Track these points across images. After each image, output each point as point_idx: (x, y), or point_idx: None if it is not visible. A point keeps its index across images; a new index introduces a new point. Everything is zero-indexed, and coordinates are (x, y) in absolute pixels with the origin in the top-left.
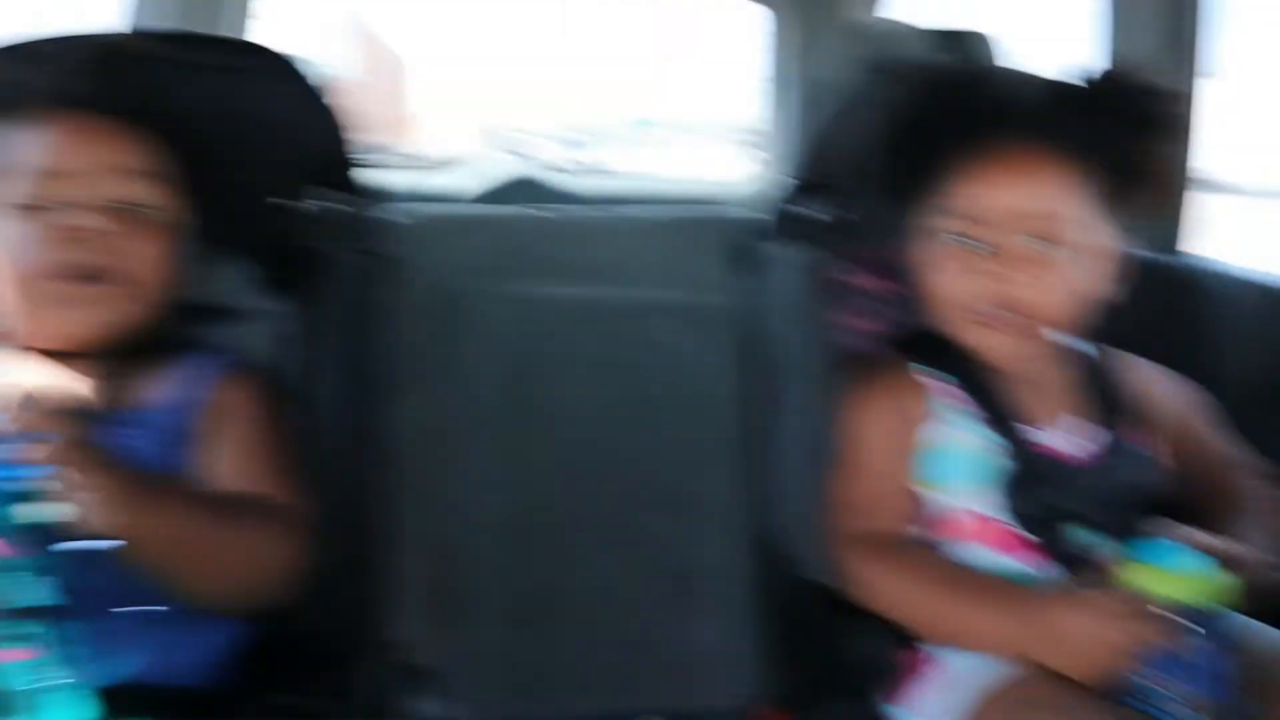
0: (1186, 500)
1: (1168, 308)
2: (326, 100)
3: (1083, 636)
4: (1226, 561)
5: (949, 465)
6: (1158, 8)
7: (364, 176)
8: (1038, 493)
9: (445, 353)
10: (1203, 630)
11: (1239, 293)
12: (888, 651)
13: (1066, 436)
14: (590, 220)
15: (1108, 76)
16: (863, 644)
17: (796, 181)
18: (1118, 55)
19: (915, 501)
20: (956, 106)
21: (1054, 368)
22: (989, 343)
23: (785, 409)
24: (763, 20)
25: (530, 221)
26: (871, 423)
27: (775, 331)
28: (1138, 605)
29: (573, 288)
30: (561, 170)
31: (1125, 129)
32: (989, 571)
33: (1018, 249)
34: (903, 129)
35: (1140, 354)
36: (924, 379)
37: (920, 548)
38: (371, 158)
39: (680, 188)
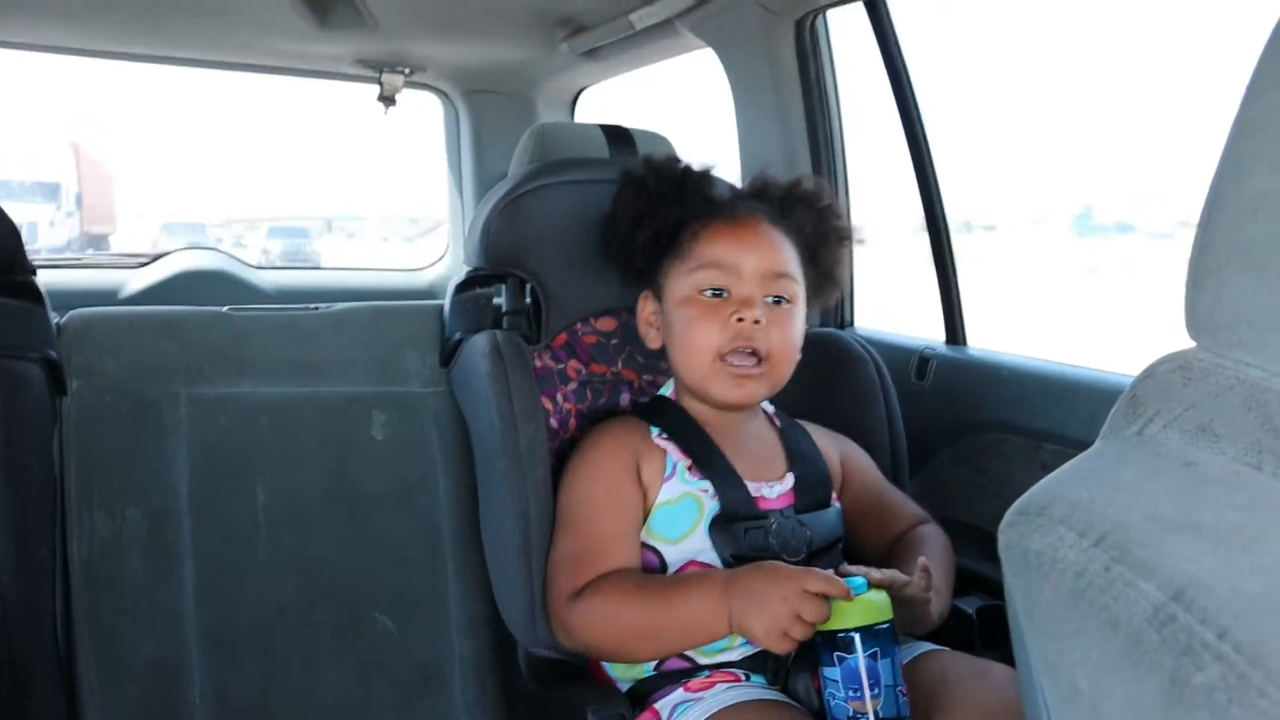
0: (861, 541)
1: (834, 374)
2: None
3: (769, 591)
4: (889, 589)
5: (675, 517)
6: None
7: (37, 279)
8: (743, 531)
9: (135, 462)
10: (872, 645)
11: (897, 357)
12: (626, 715)
13: (768, 485)
14: (286, 317)
15: (793, 185)
16: (600, 712)
17: (483, 271)
18: (751, 160)
19: (635, 549)
20: (695, 187)
21: (758, 428)
22: (738, 391)
23: (489, 493)
24: (447, 115)
25: (225, 320)
26: (601, 475)
27: (474, 417)
28: (816, 577)
29: (272, 385)
30: (254, 266)
31: (812, 217)
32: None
33: (762, 303)
34: (645, 204)
35: (812, 414)
36: (661, 442)
37: (616, 573)
38: (55, 258)
39: (371, 279)
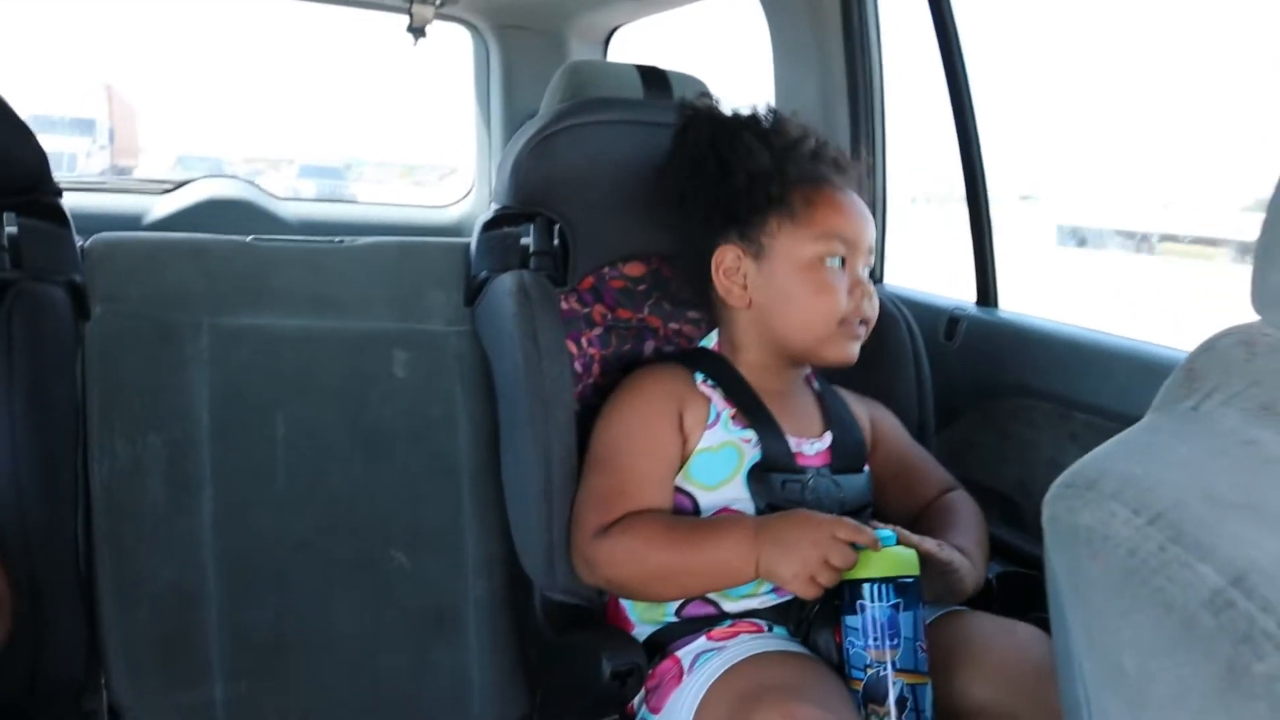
0: (889, 505)
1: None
2: (16, 122)
3: (800, 536)
4: (915, 547)
5: (715, 464)
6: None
7: (63, 201)
8: (780, 483)
9: (157, 389)
10: (895, 597)
11: (926, 316)
12: (641, 663)
13: (808, 443)
14: (310, 249)
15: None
16: (616, 658)
17: (511, 210)
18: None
19: (668, 492)
20: (796, 147)
21: (799, 388)
22: (850, 351)
23: (511, 434)
24: (476, 50)
25: (249, 249)
26: (641, 417)
27: (498, 358)
28: (846, 525)
29: (294, 318)
30: (279, 197)
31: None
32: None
33: (863, 273)
34: (763, 161)
35: (844, 375)
36: (706, 389)
37: (645, 513)
38: (80, 181)
39: (396, 214)
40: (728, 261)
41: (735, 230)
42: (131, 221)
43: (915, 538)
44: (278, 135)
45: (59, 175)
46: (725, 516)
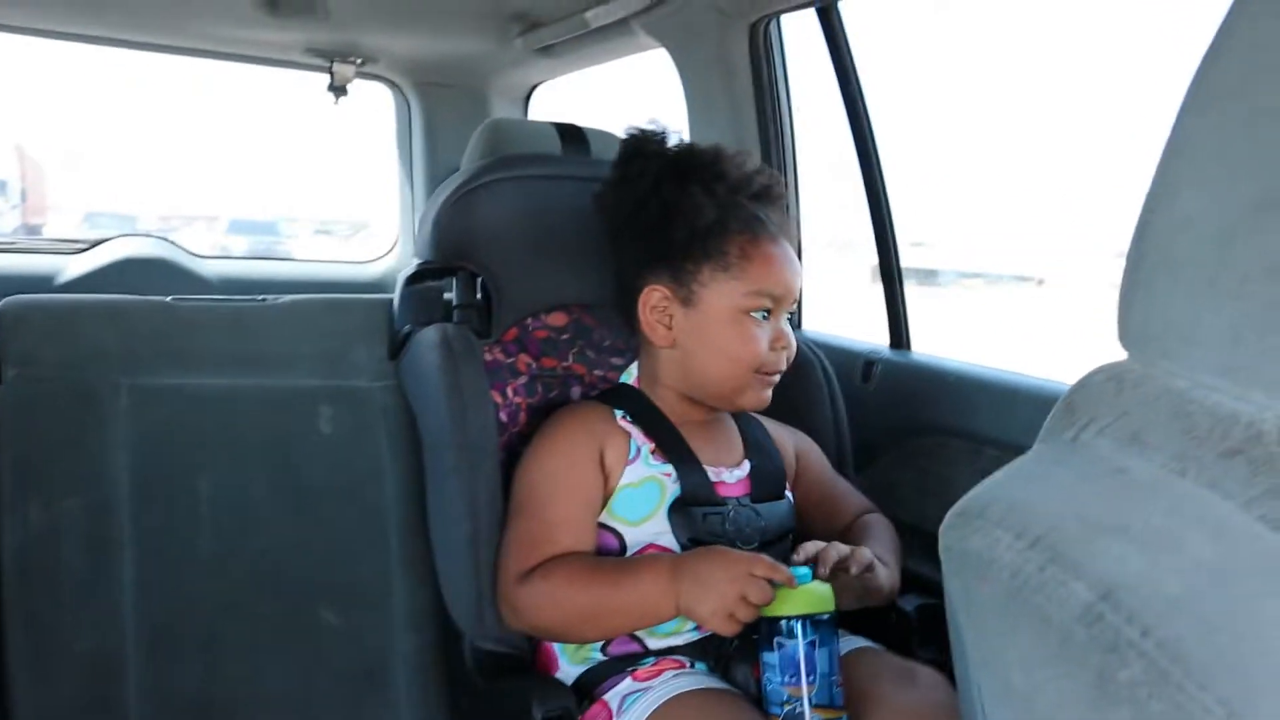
0: (812, 531)
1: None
2: None
3: (716, 574)
4: (831, 569)
5: (638, 499)
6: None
7: None
8: (701, 516)
9: (74, 452)
10: (812, 634)
11: (842, 360)
12: (570, 707)
13: (727, 470)
14: (233, 308)
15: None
16: (546, 704)
17: (434, 264)
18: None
19: (590, 533)
20: (737, 183)
21: (718, 418)
22: (764, 397)
23: (438, 485)
24: (398, 108)
25: (169, 309)
26: (563, 459)
27: (423, 411)
28: (763, 562)
29: (217, 377)
30: (197, 255)
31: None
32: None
33: (785, 325)
34: (685, 210)
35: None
36: (626, 425)
37: (566, 556)
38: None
39: (318, 270)
40: (654, 301)
41: (667, 272)
42: (43, 282)
43: (833, 554)
44: (197, 191)
45: None
46: (644, 556)
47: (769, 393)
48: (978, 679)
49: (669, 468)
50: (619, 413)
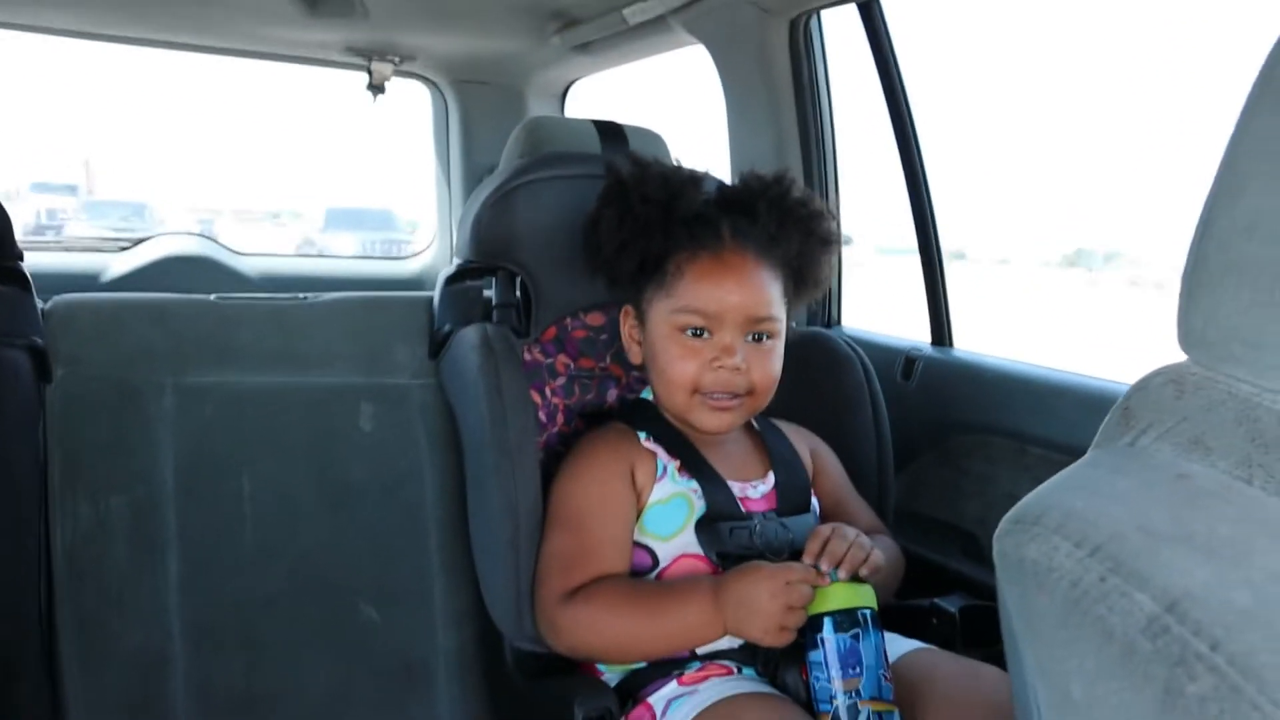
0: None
1: (821, 375)
2: None
3: (757, 592)
4: (862, 573)
5: (667, 515)
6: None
7: (24, 263)
8: (728, 531)
9: (120, 450)
10: (854, 627)
11: (883, 357)
12: (613, 708)
13: (751, 486)
14: (274, 306)
15: (776, 183)
16: (588, 705)
17: (474, 264)
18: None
19: (628, 552)
20: (685, 209)
21: (737, 433)
22: (716, 421)
23: (478, 486)
24: (435, 105)
25: (213, 308)
26: (597, 481)
27: (463, 411)
28: (796, 569)
29: (259, 375)
30: (237, 252)
31: (799, 232)
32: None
33: (744, 344)
34: (630, 229)
35: (798, 415)
36: (650, 445)
37: (607, 580)
38: (36, 240)
39: (356, 267)
40: (628, 324)
41: (632, 292)
42: (89, 280)
43: (857, 555)
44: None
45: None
46: (684, 580)
47: (723, 418)
48: (1034, 687)
49: (694, 484)
50: (642, 434)
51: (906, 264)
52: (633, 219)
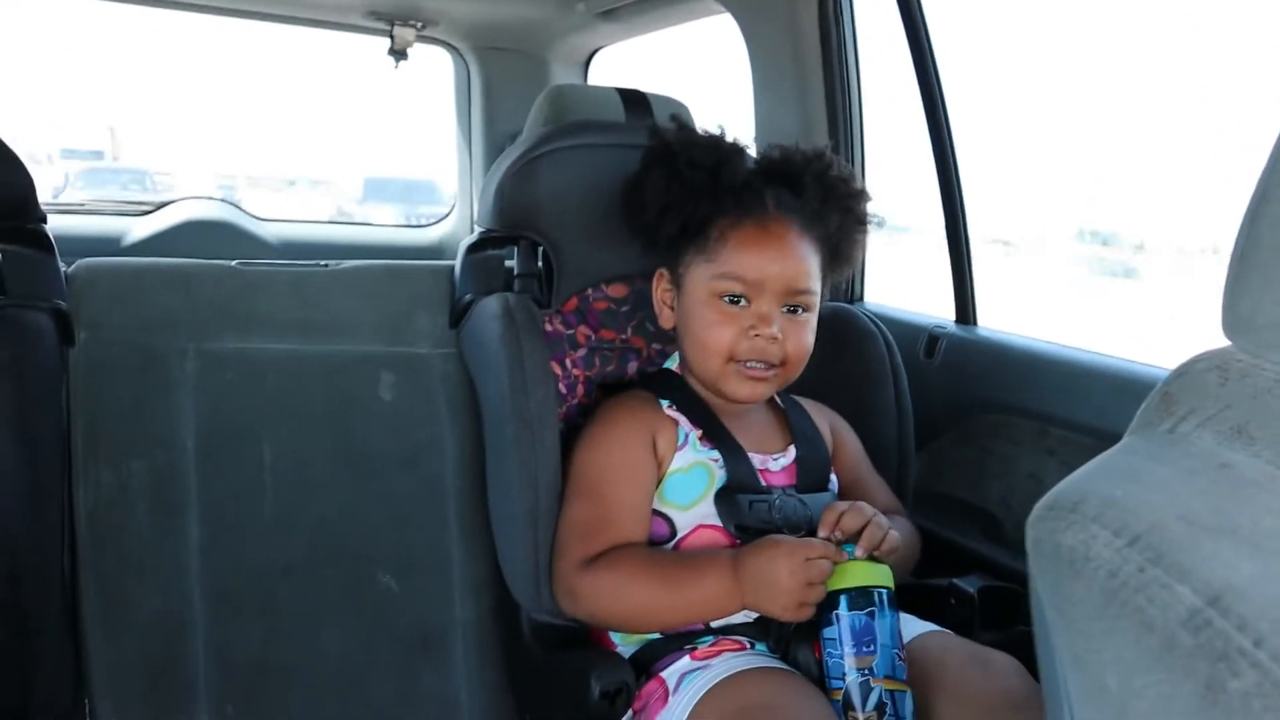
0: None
1: (844, 350)
2: (3, 149)
3: (776, 568)
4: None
5: (687, 484)
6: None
7: (47, 226)
8: (747, 504)
9: (141, 415)
10: (869, 605)
11: (906, 334)
12: (629, 681)
13: (772, 459)
14: (295, 273)
15: (818, 158)
16: (604, 678)
17: (495, 233)
18: (766, 133)
19: (647, 521)
20: (730, 176)
21: (761, 405)
22: (749, 390)
23: (498, 457)
24: (457, 72)
25: (234, 274)
26: (619, 446)
27: (483, 381)
28: (815, 545)
29: (280, 342)
30: (260, 218)
31: (839, 209)
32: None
33: (780, 315)
34: (676, 193)
35: (821, 391)
36: (673, 413)
37: (627, 548)
38: (58, 203)
39: (376, 234)
40: (661, 288)
41: (669, 256)
42: (110, 244)
43: (875, 534)
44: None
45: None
46: (704, 553)
47: (757, 388)
48: (1066, 677)
49: (716, 454)
50: (665, 402)
51: (911, 242)
52: (680, 183)
